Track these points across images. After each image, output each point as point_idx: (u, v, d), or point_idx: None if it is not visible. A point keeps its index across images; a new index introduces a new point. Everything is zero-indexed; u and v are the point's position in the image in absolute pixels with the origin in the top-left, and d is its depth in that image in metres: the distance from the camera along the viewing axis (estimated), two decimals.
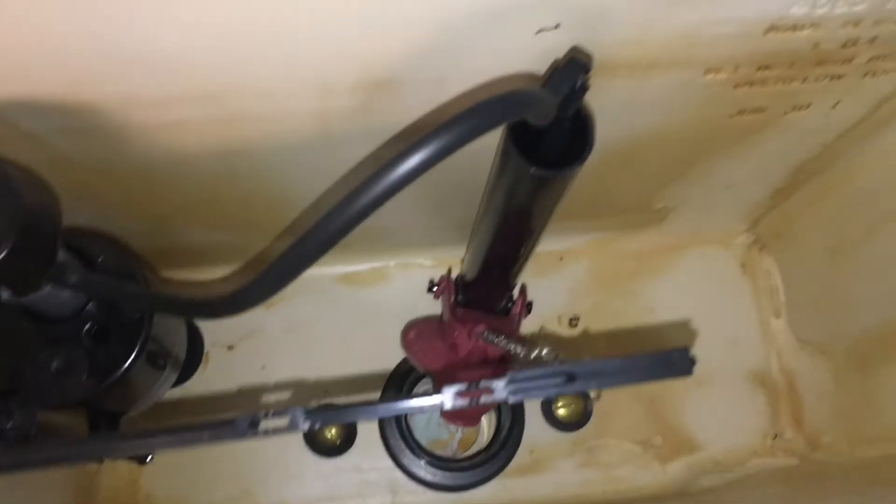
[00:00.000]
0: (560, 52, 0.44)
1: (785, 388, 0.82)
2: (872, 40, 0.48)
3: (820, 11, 0.44)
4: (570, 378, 0.31)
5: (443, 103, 0.49)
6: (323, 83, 0.46)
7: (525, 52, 0.44)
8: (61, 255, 0.47)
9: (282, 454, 0.78)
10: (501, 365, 0.67)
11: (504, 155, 0.43)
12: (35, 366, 0.52)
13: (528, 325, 0.79)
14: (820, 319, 0.78)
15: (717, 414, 0.81)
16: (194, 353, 0.78)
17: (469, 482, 0.76)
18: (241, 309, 0.41)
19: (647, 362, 0.32)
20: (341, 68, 0.45)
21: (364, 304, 0.83)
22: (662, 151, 0.63)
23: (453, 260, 0.82)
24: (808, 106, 0.57)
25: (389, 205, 0.34)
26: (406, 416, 0.78)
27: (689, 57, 0.48)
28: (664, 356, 0.32)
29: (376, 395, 0.79)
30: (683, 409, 0.81)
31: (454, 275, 0.71)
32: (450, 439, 0.82)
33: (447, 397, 0.31)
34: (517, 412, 0.78)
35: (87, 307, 0.54)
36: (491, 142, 0.43)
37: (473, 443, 0.82)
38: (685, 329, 0.84)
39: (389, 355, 0.79)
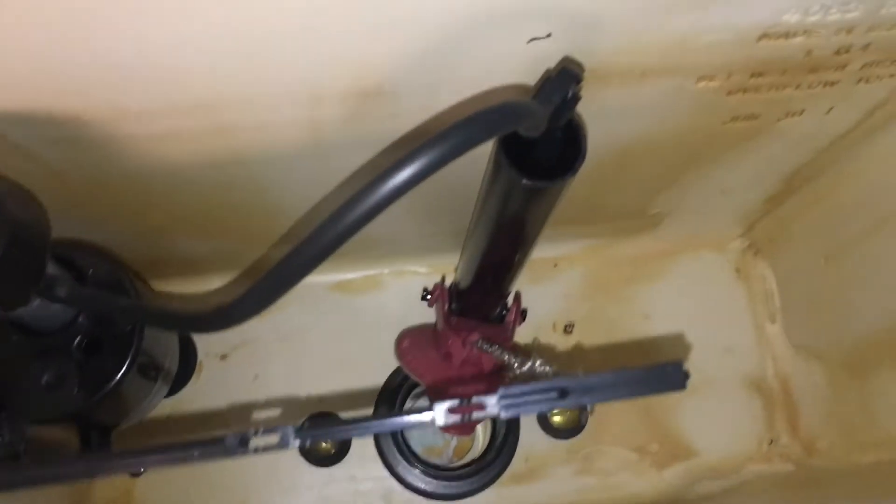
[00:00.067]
0: (552, 60, 0.44)
1: (780, 394, 0.82)
2: (866, 47, 0.48)
3: (812, 19, 0.44)
4: (563, 393, 0.31)
5: (435, 111, 0.49)
6: (314, 92, 0.46)
7: (517, 61, 0.44)
8: (50, 268, 0.46)
9: (276, 464, 0.78)
10: (496, 374, 0.67)
11: (496, 165, 0.43)
12: (25, 379, 0.52)
13: (522, 332, 0.79)
14: (815, 324, 0.77)
15: (713, 420, 0.81)
16: (187, 364, 0.78)
17: (464, 491, 0.76)
18: (233, 323, 0.40)
19: (640, 376, 0.32)
20: (332, 77, 0.45)
21: (358, 313, 0.82)
22: (656, 158, 0.63)
23: (447, 267, 0.81)
24: (801, 112, 0.57)
25: (381, 214, 0.33)
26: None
27: (682, 64, 0.48)
28: (657, 370, 0.32)
29: (371, 402, 0.79)
30: (679, 415, 0.81)
31: (448, 282, 0.71)
32: (445, 447, 0.82)
33: (439, 414, 0.31)
34: (512, 420, 0.78)
35: (78, 320, 0.53)
36: (483, 149, 0.42)
37: (469, 450, 0.81)
38: (680, 335, 0.83)
39: (384, 364, 0.79)
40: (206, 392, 0.79)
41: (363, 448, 0.77)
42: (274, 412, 0.79)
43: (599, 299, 0.85)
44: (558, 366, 0.55)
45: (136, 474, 0.74)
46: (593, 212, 0.76)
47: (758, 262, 0.86)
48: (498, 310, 0.69)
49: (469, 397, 0.31)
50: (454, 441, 0.81)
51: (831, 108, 0.57)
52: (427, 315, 0.77)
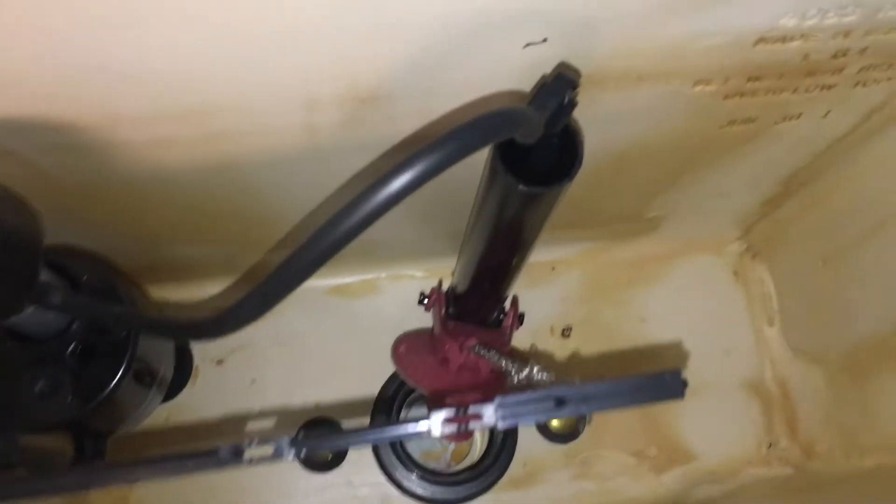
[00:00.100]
0: (548, 64, 0.43)
1: (779, 397, 0.82)
2: (863, 51, 0.48)
3: (809, 23, 0.44)
4: (560, 402, 0.31)
5: (431, 116, 0.49)
6: (309, 97, 0.46)
7: (513, 66, 0.44)
8: (44, 276, 0.46)
9: (273, 469, 0.77)
10: (493, 379, 0.67)
11: (492, 171, 0.43)
12: (18, 387, 0.51)
13: (520, 336, 0.79)
14: (814, 327, 0.77)
15: (712, 423, 0.81)
16: (183, 369, 0.78)
17: (463, 496, 0.75)
18: (229, 331, 0.40)
19: (638, 385, 0.31)
20: (327, 82, 0.44)
21: (355, 317, 0.82)
22: (653, 162, 0.63)
23: (444, 270, 0.81)
24: (798, 116, 0.57)
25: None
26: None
27: (678, 69, 0.47)
28: (656, 378, 0.31)
29: (368, 406, 0.78)
30: (677, 419, 0.81)
31: (445, 286, 0.71)
32: (443, 451, 0.81)
33: (435, 424, 0.31)
34: None
35: (72, 327, 0.53)
36: (480, 151, 0.42)
37: (467, 454, 0.81)
38: (678, 338, 0.83)
39: (381, 368, 0.78)
40: (202, 397, 0.79)
41: (360, 454, 0.76)
42: (271, 417, 0.78)
43: (597, 303, 0.85)
44: (556, 371, 0.55)
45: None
46: (590, 215, 0.75)
47: (756, 264, 0.85)
48: (495, 314, 0.68)
49: (466, 406, 0.31)
50: (452, 445, 0.81)
51: (828, 112, 0.57)
52: (424, 319, 0.77)
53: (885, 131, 0.60)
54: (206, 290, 0.80)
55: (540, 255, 0.78)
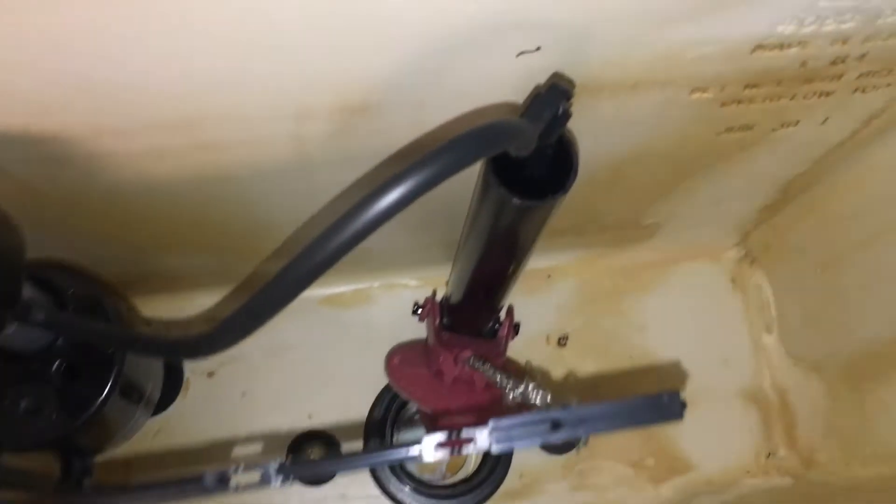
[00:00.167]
0: (542, 73, 0.43)
1: (778, 406, 0.81)
2: (861, 57, 0.47)
3: (807, 29, 0.43)
4: (556, 425, 0.30)
5: (422, 128, 0.48)
6: (299, 108, 0.45)
7: (506, 76, 0.43)
8: (27, 291, 0.45)
9: None
10: (488, 394, 0.65)
11: (485, 183, 0.42)
12: (2, 405, 0.50)
13: (516, 345, 0.78)
14: (812, 335, 0.76)
15: (710, 433, 0.80)
16: (173, 382, 0.76)
17: None
18: (216, 350, 0.39)
19: (635, 406, 0.31)
20: (317, 93, 0.44)
21: (347, 327, 0.81)
22: (649, 169, 0.62)
23: (439, 280, 0.80)
24: (796, 123, 0.56)
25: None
26: (392, 441, 0.76)
27: (675, 76, 0.47)
28: (654, 400, 0.30)
29: (360, 417, 0.77)
30: (675, 429, 0.80)
31: (439, 296, 0.70)
32: (439, 462, 0.80)
33: (427, 449, 0.30)
34: None
35: (57, 342, 0.52)
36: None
37: (462, 466, 0.80)
38: (675, 346, 0.82)
39: (374, 379, 0.77)
40: (192, 410, 0.78)
41: None
42: (262, 430, 0.77)
43: (593, 311, 0.84)
44: (552, 383, 0.54)
45: None
46: (587, 222, 0.75)
47: (754, 271, 0.85)
48: (490, 324, 0.67)
49: (459, 430, 0.30)
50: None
51: (827, 119, 0.56)
52: (418, 329, 0.76)
53: (883, 138, 0.59)
54: (196, 300, 0.79)
55: (536, 263, 0.77)
